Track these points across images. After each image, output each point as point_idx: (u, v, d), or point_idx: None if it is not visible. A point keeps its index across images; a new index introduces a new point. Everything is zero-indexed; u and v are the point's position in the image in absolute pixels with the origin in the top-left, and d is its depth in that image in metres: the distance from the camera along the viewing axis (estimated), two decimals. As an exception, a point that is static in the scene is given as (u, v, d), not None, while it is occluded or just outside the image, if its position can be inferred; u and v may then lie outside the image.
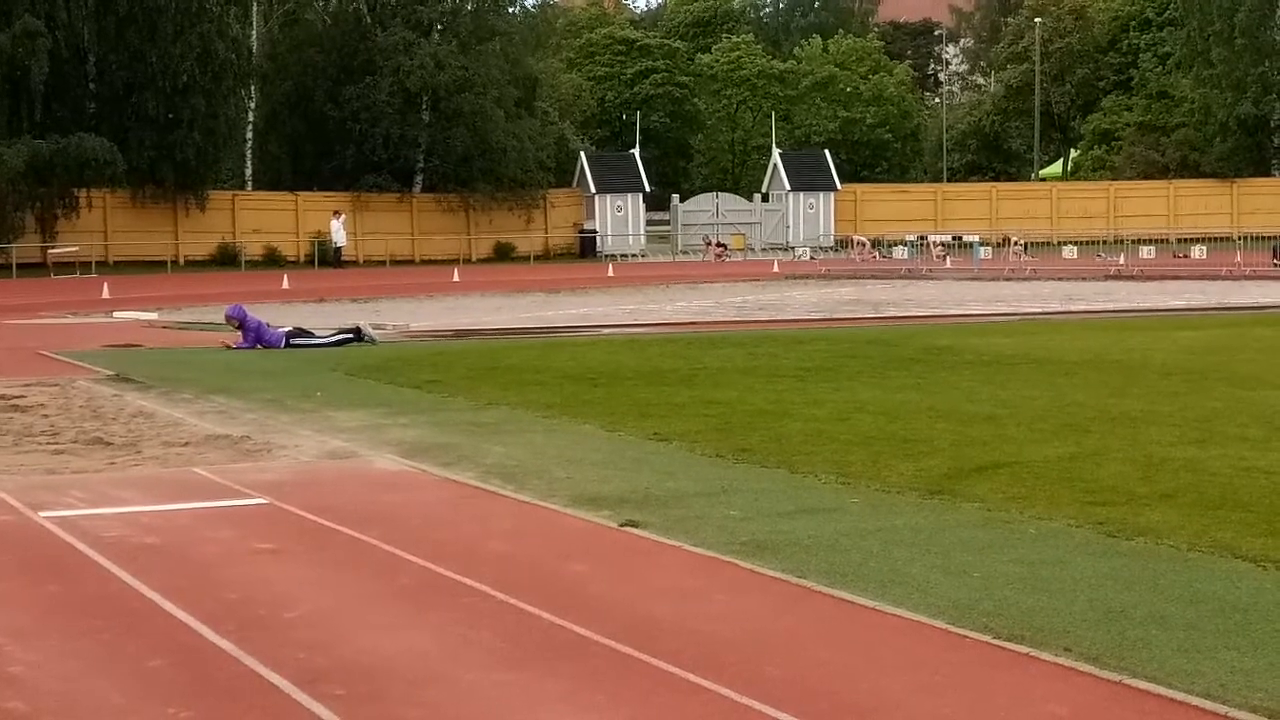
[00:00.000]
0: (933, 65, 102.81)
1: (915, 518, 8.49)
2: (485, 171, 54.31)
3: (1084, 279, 39.11)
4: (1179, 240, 54.13)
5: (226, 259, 50.62)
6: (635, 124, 66.19)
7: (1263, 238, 46.68)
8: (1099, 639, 6.05)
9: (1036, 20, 70.15)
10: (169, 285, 40.58)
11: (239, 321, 21.12)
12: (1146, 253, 47.83)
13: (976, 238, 47.55)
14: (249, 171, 56.28)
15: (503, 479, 9.98)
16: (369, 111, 53.13)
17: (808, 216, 59.57)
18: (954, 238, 49.29)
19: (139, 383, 16.05)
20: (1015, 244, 48.16)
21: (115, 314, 29.13)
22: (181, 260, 50.48)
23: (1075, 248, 50.23)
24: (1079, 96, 72.75)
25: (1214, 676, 5.56)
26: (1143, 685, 5.48)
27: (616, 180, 58.14)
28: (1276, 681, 5.51)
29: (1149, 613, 6.43)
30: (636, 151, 60.76)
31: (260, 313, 23.20)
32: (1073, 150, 75.52)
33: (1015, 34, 74.50)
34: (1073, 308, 28.46)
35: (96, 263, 46.63)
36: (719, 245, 55.88)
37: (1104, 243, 52.99)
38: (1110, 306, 28.53)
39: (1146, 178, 64.10)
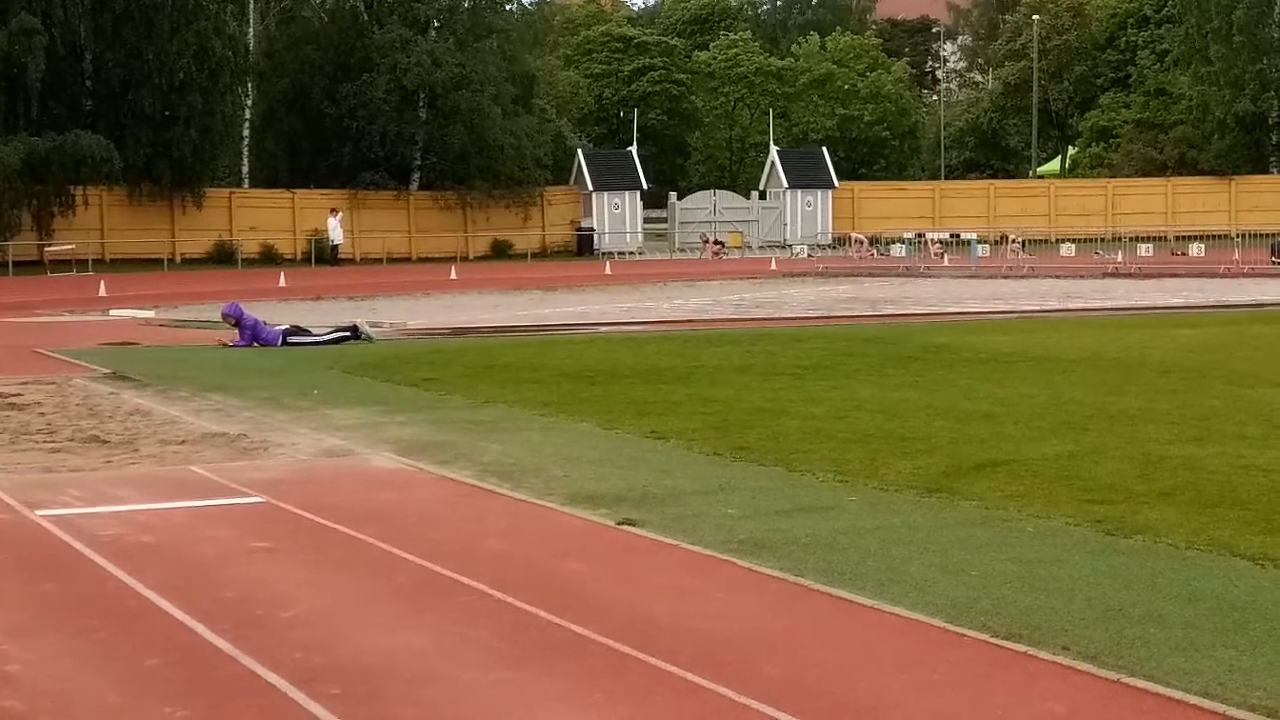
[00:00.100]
0: (930, 62, 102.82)
1: (913, 516, 8.48)
2: (482, 169, 54.29)
3: (1082, 277, 39.12)
4: (1177, 238, 54.10)
5: (223, 257, 50.58)
6: (633, 121, 66.17)
7: (1261, 235, 46.67)
8: (1097, 637, 6.04)
9: (1034, 17, 70.13)
10: (165, 283, 40.55)
11: (235, 319, 21.11)
12: (1144, 250, 47.80)
13: (974, 235, 47.53)
14: (246, 169, 56.22)
15: (500, 477, 9.97)
16: (366, 109, 53.12)
17: (805, 214, 59.56)
18: (952, 235, 49.27)
19: (136, 381, 16.03)
20: (1013, 242, 48.16)
21: (112, 312, 29.10)
22: (178, 258, 50.43)
23: (1073, 245, 50.24)
24: (1077, 94, 72.74)
25: (1212, 675, 5.55)
26: (1141, 683, 5.48)
27: (614, 178, 58.12)
28: (1275, 680, 5.50)
29: (1147, 611, 6.42)
30: (634, 149, 60.73)
31: (257, 310, 23.18)
32: (1071, 148, 75.50)
33: (1013, 31, 74.49)
34: (1071, 305, 28.46)
35: (93, 260, 46.59)
36: (716, 243, 55.88)
37: (1102, 240, 53.01)
38: (1108, 304, 28.53)
39: (1144, 175, 64.10)
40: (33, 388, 15.42)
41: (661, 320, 25.72)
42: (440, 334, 23.27)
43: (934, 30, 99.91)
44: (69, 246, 46.70)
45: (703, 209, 60.31)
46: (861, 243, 51.92)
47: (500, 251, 55.60)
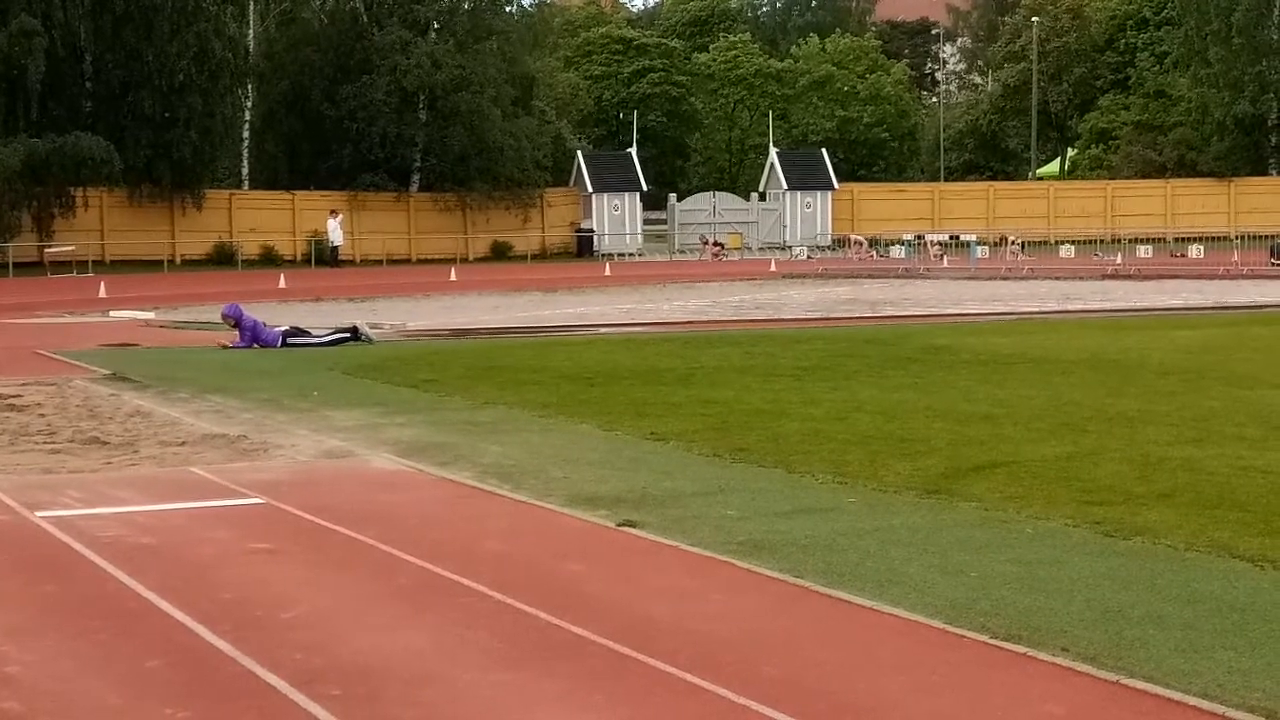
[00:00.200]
0: (930, 64, 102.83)
1: (912, 517, 8.49)
2: (482, 170, 54.31)
3: (1081, 278, 39.11)
4: (1176, 239, 54.12)
5: (223, 258, 50.60)
6: (632, 123, 66.21)
7: (1260, 237, 46.72)
8: (1096, 639, 6.05)
9: (1034, 19, 70.18)
10: (165, 284, 40.55)
11: (235, 321, 21.11)
12: (1144, 252, 47.83)
13: (973, 237, 47.52)
14: (245, 170, 56.25)
15: (499, 478, 9.97)
16: (366, 110, 53.14)
17: (805, 216, 59.59)
18: (951, 237, 49.29)
19: (136, 382, 16.03)
20: (1012, 243, 48.19)
21: (112, 313, 29.10)
22: (178, 259, 50.45)
23: (1072, 247, 50.26)
24: (1076, 96, 72.76)
25: (1211, 676, 5.56)
26: (1140, 685, 5.48)
27: (613, 179, 58.16)
28: (1274, 681, 5.50)
29: (1146, 612, 6.42)
30: (633, 150, 60.77)
31: (257, 312, 23.18)
32: (1070, 149, 75.55)
33: (1012, 33, 74.53)
34: (1070, 307, 28.46)
35: (93, 262, 46.59)
36: (716, 244, 55.89)
37: (1101, 242, 53.03)
38: (1107, 306, 28.54)
39: (1144, 177, 64.13)
40: (33, 389, 15.42)
41: (661, 322, 25.72)
42: (440, 335, 23.28)
43: (933, 32, 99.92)
44: (69, 248, 46.71)
45: (702, 210, 60.35)
46: (861, 244, 51.95)
47: (500, 253, 55.62)
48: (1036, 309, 27.91)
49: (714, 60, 79.93)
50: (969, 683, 5.61)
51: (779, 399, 13.79)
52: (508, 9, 60.20)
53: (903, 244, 48.99)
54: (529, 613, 6.61)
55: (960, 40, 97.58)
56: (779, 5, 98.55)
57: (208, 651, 6.11)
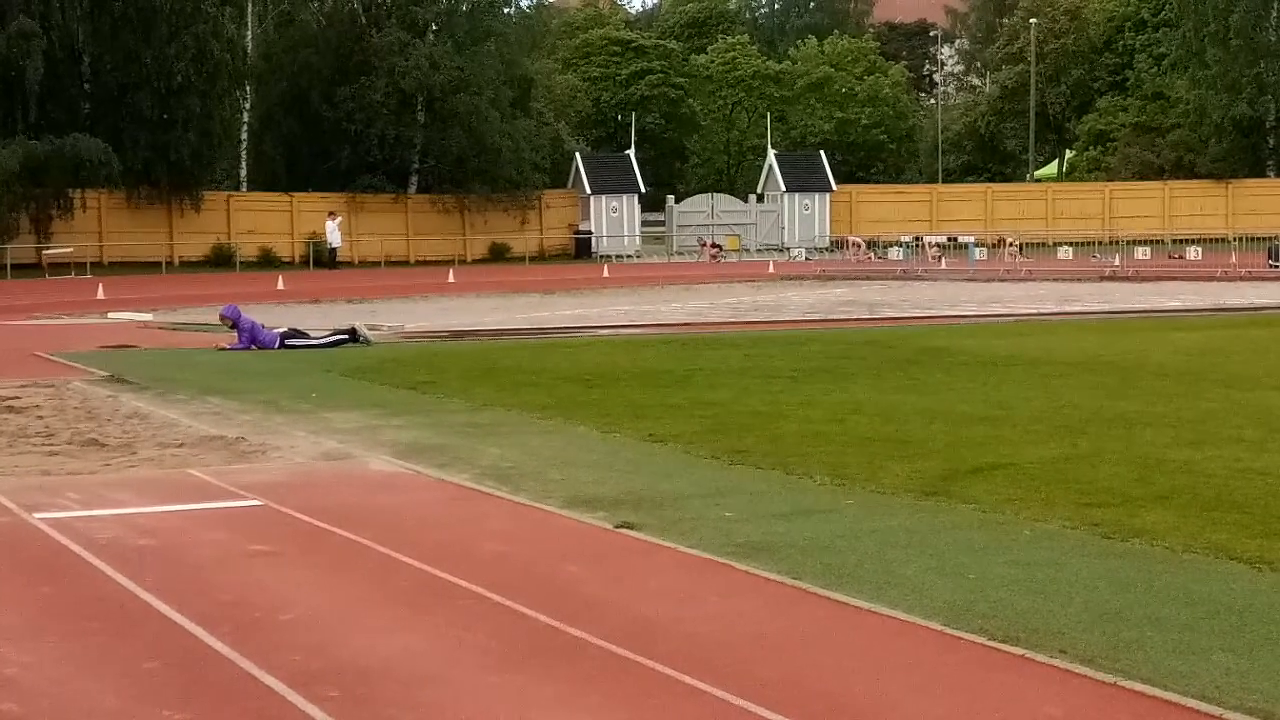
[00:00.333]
0: (928, 66, 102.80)
1: (911, 519, 8.49)
2: (480, 172, 54.32)
3: (1079, 280, 39.11)
4: (1174, 241, 54.08)
5: (221, 260, 50.59)
6: (630, 125, 66.20)
7: (1258, 239, 46.71)
8: (1094, 640, 6.05)
9: (1031, 21, 70.19)
10: (164, 286, 40.55)
11: (233, 322, 21.11)
12: (1142, 254, 47.80)
13: (972, 239, 47.53)
14: (244, 172, 56.25)
15: (498, 480, 9.97)
16: (364, 112, 53.15)
17: (803, 217, 59.61)
18: (949, 239, 49.30)
19: (134, 384, 16.03)
20: (1010, 245, 48.18)
21: (110, 315, 29.10)
22: (176, 261, 50.45)
23: (1070, 249, 50.24)
24: (1074, 97, 72.78)
25: (1209, 678, 5.56)
26: (1138, 687, 5.49)
27: (612, 181, 58.17)
28: (1271, 683, 5.51)
29: (1144, 614, 6.43)
30: (632, 152, 60.76)
31: (255, 314, 23.19)
32: (1068, 151, 75.55)
33: (1010, 35, 74.54)
34: (1068, 309, 28.46)
35: (91, 264, 46.59)
36: (714, 246, 55.89)
37: (1099, 244, 52.98)
38: (1105, 308, 28.53)
39: (1142, 179, 64.15)
40: (31, 391, 15.42)
41: (659, 324, 25.71)
42: (438, 337, 23.28)
43: (931, 34, 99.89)
44: (67, 249, 46.71)
45: (700, 212, 60.36)
46: (859, 246, 51.94)
47: (498, 254, 55.63)
48: (1034, 311, 27.92)
49: (712, 62, 79.92)
50: (967, 684, 5.61)
51: (777, 401, 13.79)
52: (506, 10, 60.23)
53: (901, 246, 48.99)
54: (527, 614, 6.61)
55: (958, 42, 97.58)
56: (777, 7, 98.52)
57: (206, 653, 6.11)
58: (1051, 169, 77.16)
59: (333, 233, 51.00)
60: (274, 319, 23.93)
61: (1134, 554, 7.55)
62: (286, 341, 20.96)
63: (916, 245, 48.12)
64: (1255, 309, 27.95)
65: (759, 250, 57.62)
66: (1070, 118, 73.49)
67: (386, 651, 6.09)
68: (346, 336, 21.40)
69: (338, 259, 50.95)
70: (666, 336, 22.56)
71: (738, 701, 5.39)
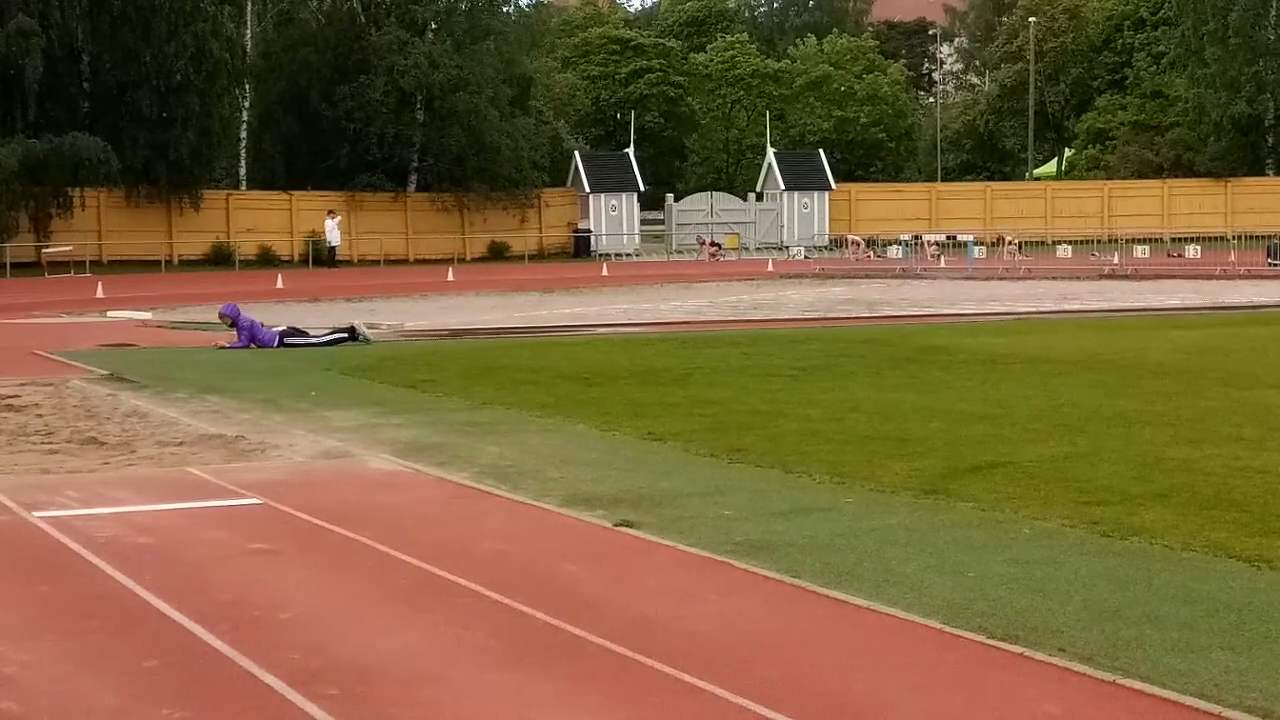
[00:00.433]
0: (927, 64, 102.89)
1: (910, 518, 8.49)
2: (480, 171, 54.31)
3: (1078, 278, 39.13)
4: (1173, 240, 54.15)
5: (221, 258, 50.58)
6: (630, 123, 66.21)
7: (1257, 237, 46.71)
8: (1093, 639, 6.05)
9: (1031, 19, 70.21)
10: (163, 285, 40.53)
11: (233, 321, 21.11)
12: (1141, 252, 47.83)
13: (971, 237, 47.54)
14: (243, 171, 56.24)
15: (497, 479, 9.97)
16: (363, 111, 53.13)
17: (802, 216, 59.61)
18: (948, 237, 49.29)
19: (133, 382, 16.03)
20: (1010, 243, 48.18)
21: (109, 313, 29.09)
22: (176, 260, 50.43)
23: (1069, 247, 50.26)
24: (1073, 96, 72.81)
25: (1208, 676, 5.57)
26: (1137, 685, 5.49)
27: (611, 180, 58.17)
28: (1270, 681, 5.51)
29: (1143, 613, 6.43)
30: (631, 151, 60.78)
31: (254, 312, 23.19)
32: (1067, 150, 75.58)
33: (1009, 33, 74.55)
34: (1067, 307, 28.47)
35: (91, 262, 46.56)
36: (713, 245, 55.89)
37: (1098, 242, 53.04)
38: (1104, 306, 28.54)
39: (1141, 177, 64.15)
40: (31, 389, 15.42)
41: (658, 322, 25.71)
42: (438, 336, 23.28)
43: (930, 32, 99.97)
44: (67, 248, 46.69)
45: (700, 211, 60.35)
46: (858, 244, 51.93)
47: (497, 253, 55.62)
48: (1033, 309, 27.92)
49: (711, 60, 79.94)
50: (966, 683, 5.61)
51: (776, 399, 13.79)
52: (505, 9, 60.25)
53: (900, 244, 48.98)
54: (526, 613, 6.61)
55: (957, 40, 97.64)
56: (776, 5, 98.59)
57: (205, 651, 6.11)
58: (1050, 167, 77.17)
59: (332, 231, 50.99)
60: (273, 317, 23.92)
61: (1133, 552, 7.55)
62: (285, 340, 20.95)
63: (915, 244, 48.11)
64: (1254, 307, 27.96)
65: (758, 249, 57.62)
66: (1069, 116, 73.53)
67: (385, 650, 6.09)
68: (346, 335, 21.40)
69: (337, 258, 50.93)
70: (665, 335, 22.56)
71: (737, 700, 5.39)
